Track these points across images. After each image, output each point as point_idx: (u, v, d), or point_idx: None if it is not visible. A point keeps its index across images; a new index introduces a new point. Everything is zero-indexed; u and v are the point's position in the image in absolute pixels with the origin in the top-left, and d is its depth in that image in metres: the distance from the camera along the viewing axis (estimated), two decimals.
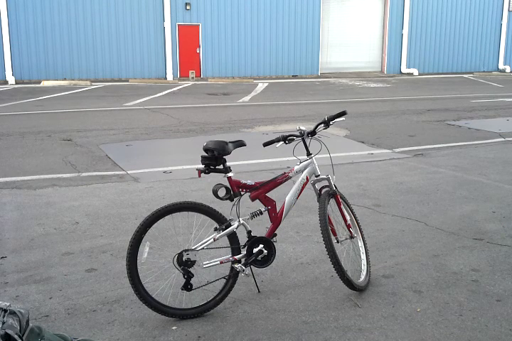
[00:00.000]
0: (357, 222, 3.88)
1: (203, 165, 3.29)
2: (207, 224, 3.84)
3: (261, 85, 20.09)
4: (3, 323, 1.60)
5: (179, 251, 3.23)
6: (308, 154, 3.69)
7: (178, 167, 7.22)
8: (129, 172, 6.94)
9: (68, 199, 5.69)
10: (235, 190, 3.36)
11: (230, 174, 3.35)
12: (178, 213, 3.31)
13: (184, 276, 3.22)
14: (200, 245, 3.28)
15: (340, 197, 3.75)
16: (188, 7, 22.09)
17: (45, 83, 19.71)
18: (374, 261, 4.11)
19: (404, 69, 26.45)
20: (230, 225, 3.35)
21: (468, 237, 4.64)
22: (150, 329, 3.17)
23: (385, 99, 15.67)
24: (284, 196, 3.64)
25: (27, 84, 19.65)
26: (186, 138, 9.40)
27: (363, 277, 3.68)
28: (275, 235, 3.51)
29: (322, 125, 3.69)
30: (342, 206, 3.75)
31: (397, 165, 7.37)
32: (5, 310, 1.64)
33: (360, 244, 3.87)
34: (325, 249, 3.38)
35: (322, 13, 24.52)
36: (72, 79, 20.67)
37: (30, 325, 1.70)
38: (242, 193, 3.41)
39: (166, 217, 3.27)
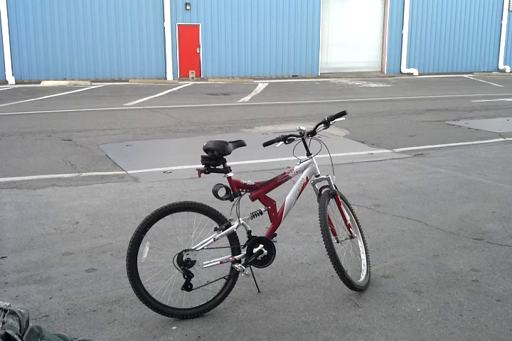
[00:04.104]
0: (357, 222, 3.88)
1: (203, 165, 3.29)
2: (207, 224, 3.84)
3: (261, 85, 20.09)
4: (3, 323, 1.60)
5: (179, 251, 3.23)
6: (308, 154, 3.69)
7: (178, 167, 7.22)
8: (129, 172, 6.94)
9: (68, 199, 5.69)
10: (235, 190, 3.36)
11: (230, 174, 3.35)
12: (178, 213, 3.31)
13: (184, 276, 3.22)
14: (200, 245, 3.28)
15: (340, 197, 3.75)
16: (188, 7, 22.09)
17: (45, 83, 19.71)
18: (374, 261, 4.11)
19: (404, 69, 26.46)
20: (230, 225, 3.35)
21: (468, 237, 4.64)
22: (150, 329, 3.17)
23: (385, 99, 15.66)
24: (284, 196, 3.64)
25: (27, 84, 19.65)
26: (186, 138, 9.40)
27: (363, 277, 3.68)
28: (275, 235, 3.51)
29: (322, 125, 3.69)
30: (342, 206, 3.76)
31: (397, 165, 7.36)
32: (5, 310, 1.64)
33: (360, 244, 3.87)
34: (325, 248, 3.38)
35: (322, 13, 24.52)
36: (72, 79, 20.67)
37: (30, 325, 1.70)
38: (242, 193, 3.41)
39: (166, 217, 3.28)
